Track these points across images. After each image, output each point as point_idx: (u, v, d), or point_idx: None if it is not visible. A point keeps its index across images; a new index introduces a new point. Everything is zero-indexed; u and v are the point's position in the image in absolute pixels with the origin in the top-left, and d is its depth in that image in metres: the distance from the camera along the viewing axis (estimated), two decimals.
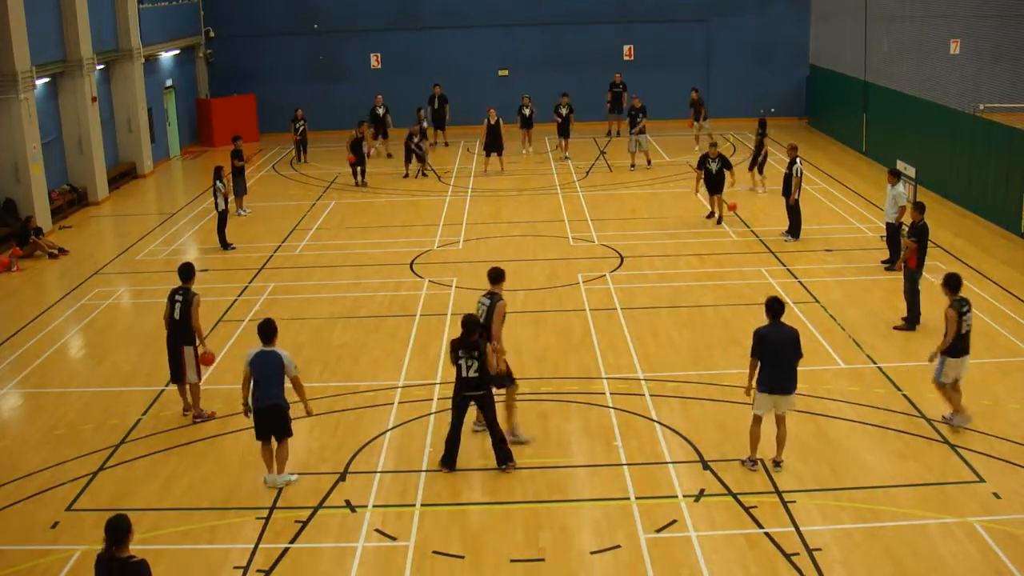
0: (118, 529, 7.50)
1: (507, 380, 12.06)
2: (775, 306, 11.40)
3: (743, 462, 11.57)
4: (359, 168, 27.35)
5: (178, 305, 12.99)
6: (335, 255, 21.12)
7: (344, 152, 27.81)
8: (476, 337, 11.36)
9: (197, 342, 13.01)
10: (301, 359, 15.15)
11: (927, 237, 15.70)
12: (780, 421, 11.45)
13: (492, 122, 27.91)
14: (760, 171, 25.09)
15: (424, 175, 28.04)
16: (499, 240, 21.72)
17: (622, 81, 33.20)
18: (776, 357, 11.25)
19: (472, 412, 12.00)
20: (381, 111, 31.01)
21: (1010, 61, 23.97)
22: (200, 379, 13.19)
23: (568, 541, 10.25)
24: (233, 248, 21.45)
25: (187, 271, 13.40)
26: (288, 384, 11.32)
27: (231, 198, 22.60)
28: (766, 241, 20.83)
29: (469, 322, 11.41)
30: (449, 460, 11.61)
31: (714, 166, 22.11)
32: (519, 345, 15.43)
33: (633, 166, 28.48)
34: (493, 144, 28.12)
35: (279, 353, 11.23)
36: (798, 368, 11.42)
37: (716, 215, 22.36)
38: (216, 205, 21.45)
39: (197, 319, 13.02)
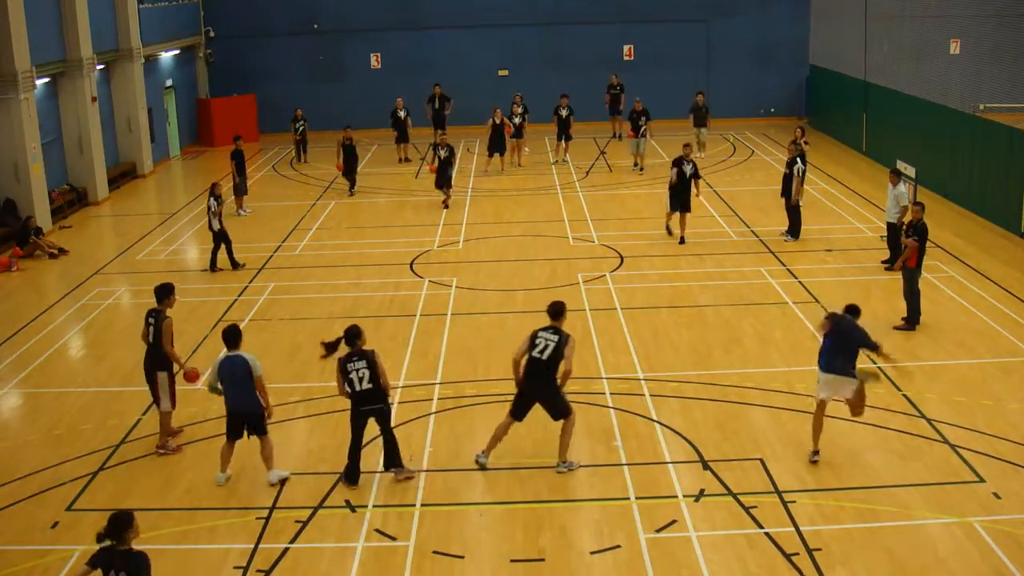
0: (117, 526, 7.62)
1: (566, 411, 11.56)
2: (851, 308, 11.71)
3: (812, 453, 11.63)
4: (350, 176, 26.59)
5: (151, 328, 12.32)
6: (335, 255, 21.13)
7: (329, 160, 27.51)
8: (362, 347, 11.11)
9: (175, 367, 12.43)
10: (301, 359, 15.22)
11: (927, 236, 15.70)
12: (848, 404, 11.69)
13: (497, 122, 27.63)
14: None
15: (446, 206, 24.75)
16: (499, 240, 21.72)
17: (619, 82, 33.03)
18: (841, 340, 11.48)
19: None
20: (403, 114, 30.68)
21: (1010, 61, 23.94)
22: (174, 407, 12.52)
23: (568, 541, 10.25)
24: (243, 267, 20.15)
25: (161, 292, 12.57)
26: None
27: (231, 204, 21.99)
28: (766, 241, 20.83)
29: (351, 333, 11.19)
30: (351, 476, 11.37)
31: (687, 169, 20.57)
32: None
33: (636, 165, 28.18)
34: (497, 144, 27.87)
35: (244, 357, 11.26)
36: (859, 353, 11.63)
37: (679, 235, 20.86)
38: (210, 225, 19.86)
39: (168, 344, 12.28)
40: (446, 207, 24.45)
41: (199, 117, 35.72)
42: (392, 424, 11.54)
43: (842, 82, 31.45)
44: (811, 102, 35.50)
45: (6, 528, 10.83)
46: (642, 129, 27.63)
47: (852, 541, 10.06)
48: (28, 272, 20.85)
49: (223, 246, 19.99)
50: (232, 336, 11.38)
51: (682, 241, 20.75)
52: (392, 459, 11.49)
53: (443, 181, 24.61)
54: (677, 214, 20.85)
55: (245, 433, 11.48)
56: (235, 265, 20.11)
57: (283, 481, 11.48)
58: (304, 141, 31.01)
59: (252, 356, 11.38)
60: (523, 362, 11.48)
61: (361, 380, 11.08)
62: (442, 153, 24.61)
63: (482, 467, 11.69)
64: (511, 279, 18.81)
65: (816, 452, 11.62)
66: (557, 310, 11.61)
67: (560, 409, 11.53)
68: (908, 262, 15.53)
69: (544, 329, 11.50)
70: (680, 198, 20.70)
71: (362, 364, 11.09)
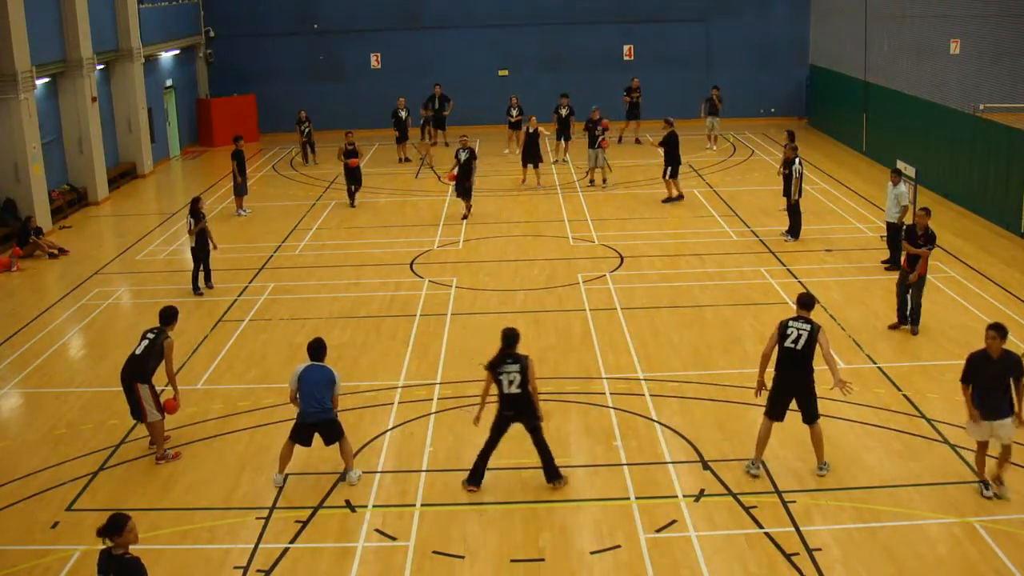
0: (111, 525, 7.69)
1: (814, 415, 11.28)
2: (999, 328, 10.61)
3: (980, 484, 10.92)
4: (353, 188, 25.14)
5: (145, 342, 12.10)
6: (335, 255, 21.12)
7: (335, 162, 27.23)
8: (516, 351, 10.99)
9: (172, 388, 12.32)
10: (301, 359, 15.15)
11: (935, 244, 15.60)
12: (1004, 450, 10.72)
13: (531, 131, 26.35)
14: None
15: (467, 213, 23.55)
16: (499, 240, 21.72)
17: (639, 87, 31.81)
18: (987, 379, 10.60)
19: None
20: (404, 114, 30.57)
21: (1010, 61, 23.99)
22: (162, 416, 12.27)
23: (568, 541, 10.25)
24: (202, 293, 18.58)
25: (167, 315, 12.46)
26: None
27: (228, 207, 21.63)
28: (766, 241, 20.83)
29: (509, 335, 11.11)
30: (474, 478, 11.27)
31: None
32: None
33: (592, 182, 26.46)
34: (532, 155, 26.46)
35: (331, 369, 11.32)
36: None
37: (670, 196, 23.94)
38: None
39: (171, 365, 12.23)
40: (464, 218, 23.39)
41: (199, 117, 35.70)
42: (543, 435, 11.22)
43: (842, 82, 31.44)
44: (811, 102, 35.49)
45: (6, 528, 10.83)
46: (598, 140, 25.71)
47: (852, 541, 10.06)
48: (28, 272, 20.85)
49: (200, 265, 18.61)
50: (319, 348, 11.40)
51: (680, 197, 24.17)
52: (550, 471, 11.26)
53: (464, 191, 23.31)
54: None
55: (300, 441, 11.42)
56: (196, 288, 18.51)
57: (358, 480, 11.47)
58: (311, 142, 31.01)
59: (338, 373, 11.41)
60: (773, 356, 11.27)
61: (511, 384, 10.99)
62: (463, 156, 23.10)
63: (755, 478, 11.29)
64: (511, 279, 18.82)
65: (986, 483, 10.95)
66: (807, 301, 11.55)
67: (811, 411, 11.27)
68: (920, 270, 15.27)
69: (794, 319, 11.34)
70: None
71: (515, 368, 10.99)
